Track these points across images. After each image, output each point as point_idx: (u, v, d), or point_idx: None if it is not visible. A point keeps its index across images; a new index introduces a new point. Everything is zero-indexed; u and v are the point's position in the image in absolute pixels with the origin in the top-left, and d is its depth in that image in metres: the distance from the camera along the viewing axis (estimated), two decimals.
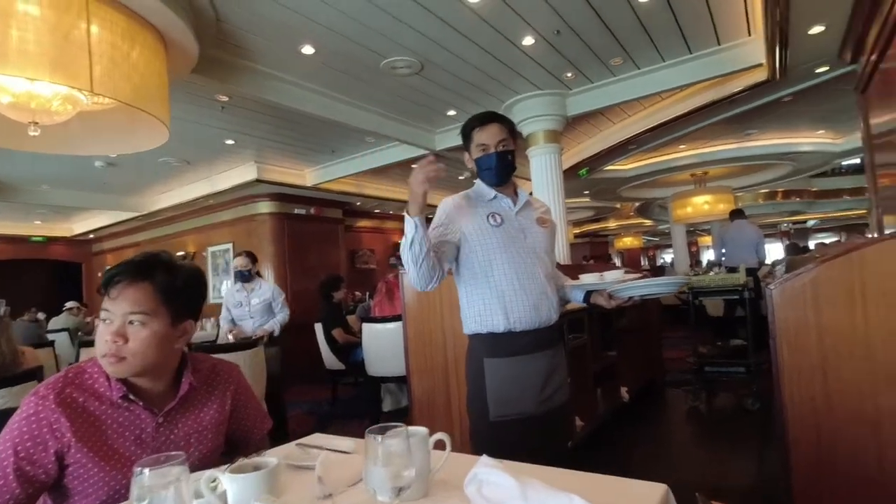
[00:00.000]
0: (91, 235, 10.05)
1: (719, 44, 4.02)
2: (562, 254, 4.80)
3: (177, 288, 1.09)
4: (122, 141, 3.19)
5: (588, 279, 1.58)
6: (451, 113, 5.00)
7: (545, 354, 1.57)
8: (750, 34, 3.88)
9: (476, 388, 1.56)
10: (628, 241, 20.48)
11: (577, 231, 17.30)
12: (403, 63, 3.90)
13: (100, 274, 9.68)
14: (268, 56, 3.66)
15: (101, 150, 3.84)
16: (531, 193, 1.76)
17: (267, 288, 4.09)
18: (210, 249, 8.05)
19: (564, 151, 5.72)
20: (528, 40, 3.70)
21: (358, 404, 5.09)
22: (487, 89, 4.54)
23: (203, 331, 6.18)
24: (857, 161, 9.62)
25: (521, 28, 3.53)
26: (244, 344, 2.96)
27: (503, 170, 1.60)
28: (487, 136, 1.59)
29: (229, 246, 7.76)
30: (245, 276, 3.98)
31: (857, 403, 1.62)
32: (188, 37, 2.91)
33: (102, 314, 1.06)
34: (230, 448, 1.25)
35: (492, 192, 1.63)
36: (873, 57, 3.18)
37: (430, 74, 4.16)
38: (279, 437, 3.80)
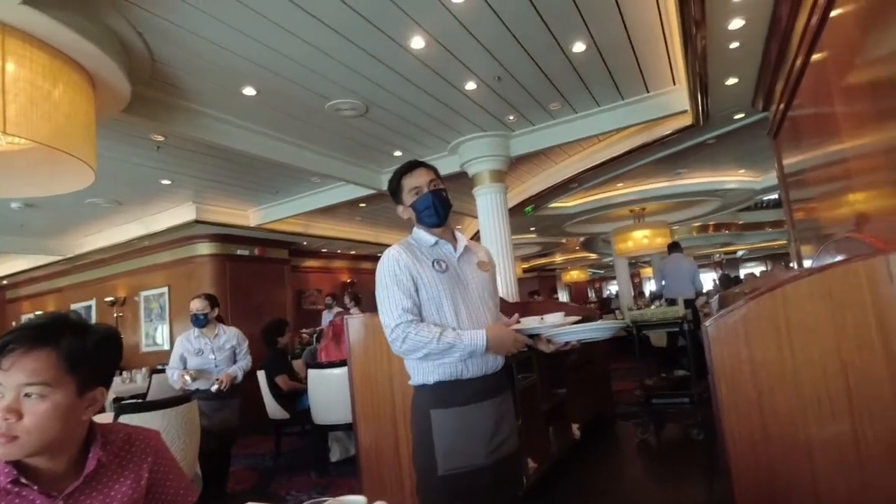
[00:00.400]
0: (5, 281, 9.23)
1: (648, 91, 4.31)
2: (509, 290, 4.84)
3: (86, 353, 0.98)
4: (42, 183, 2.97)
5: (528, 323, 1.57)
6: (398, 154, 5.04)
7: (493, 402, 1.53)
8: (675, 83, 4.19)
9: (423, 441, 1.49)
10: (575, 275, 21.09)
11: (525, 266, 17.65)
12: (348, 105, 3.91)
13: (14, 323, 8.86)
14: (207, 96, 3.57)
15: (18, 193, 3.56)
16: (478, 234, 1.76)
17: (232, 333, 3.69)
18: (143, 294, 7.56)
19: (510, 190, 5.87)
20: (471, 85, 3.82)
21: (304, 455, 4.80)
22: (432, 131, 4.63)
23: (133, 383, 5.72)
24: (776, 196, 10.48)
25: (463, 73, 3.64)
26: (175, 399, 2.74)
27: (441, 207, 1.60)
28: (417, 179, 1.60)
29: (165, 290, 7.32)
30: (200, 321, 3.53)
31: (791, 435, 1.67)
32: (119, 76, 2.79)
33: None
34: None
35: (432, 238, 1.61)
36: (781, 106, 3.50)
37: (376, 116, 4.20)
38: (218, 495, 3.50)
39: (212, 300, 3.65)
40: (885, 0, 1.71)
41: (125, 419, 2.43)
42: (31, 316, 4.74)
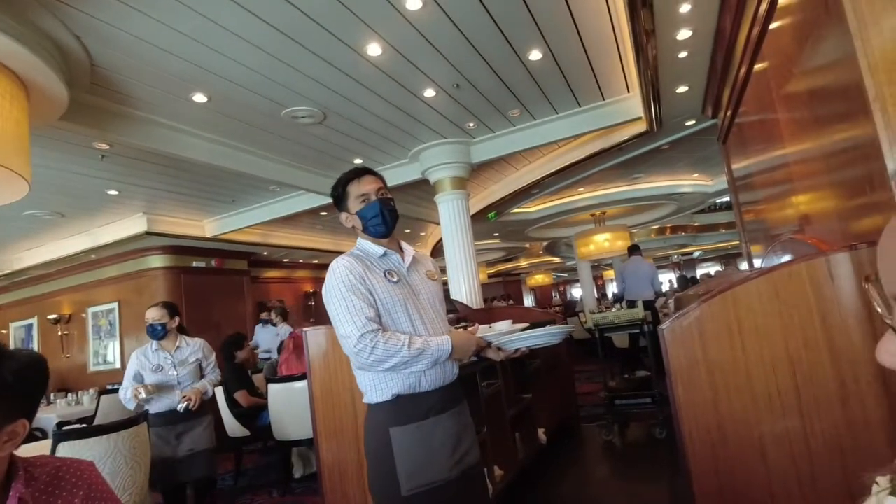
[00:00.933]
0: None
1: (604, 98, 4.41)
2: (473, 296, 4.83)
3: (5, 384, 0.89)
4: None
5: (478, 332, 1.56)
6: (358, 161, 4.98)
7: (452, 413, 1.50)
8: (629, 91, 4.31)
9: (381, 463, 1.43)
10: (540, 279, 21.40)
11: (490, 271, 17.77)
12: (305, 112, 3.83)
13: None
14: (154, 103, 3.42)
15: None
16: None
17: (197, 346, 3.25)
18: (90, 310, 7.16)
19: (472, 196, 5.90)
20: (430, 92, 3.81)
21: (266, 473, 4.64)
22: (392, 138, 4.59)
23: (79, 405, 5.39)
24: (728, 199, 10.92)
25: (421, 81, 3.62)
26: (123, 423, 2.58)
27: (390, 215, 1.55)
28: (365, 187, 1.56)
29: (114, 305, 6.96)
30: (158, 333, 3.09)
31: (745, 433, 1.72)
32: (55, 81, 2.63)
33: None
34: None
35: (381, 249, 1.57)
36: (729, 113, 3.64)
37: (334, 123, 4.13)
38: None
39: (171, 308, 3.21)
40: (818, 14, 1.80)
41: (65, 447, 2.27)
42: None
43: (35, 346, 7.62)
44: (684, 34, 3.20)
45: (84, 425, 3.02)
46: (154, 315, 3.12)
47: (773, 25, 2.38)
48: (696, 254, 20.97)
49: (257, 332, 7.24)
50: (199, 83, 3.24)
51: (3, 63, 2.39)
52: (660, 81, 3.77)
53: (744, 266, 4.49)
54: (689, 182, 8.53)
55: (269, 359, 6.39)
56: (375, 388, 1.46)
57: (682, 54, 3.47)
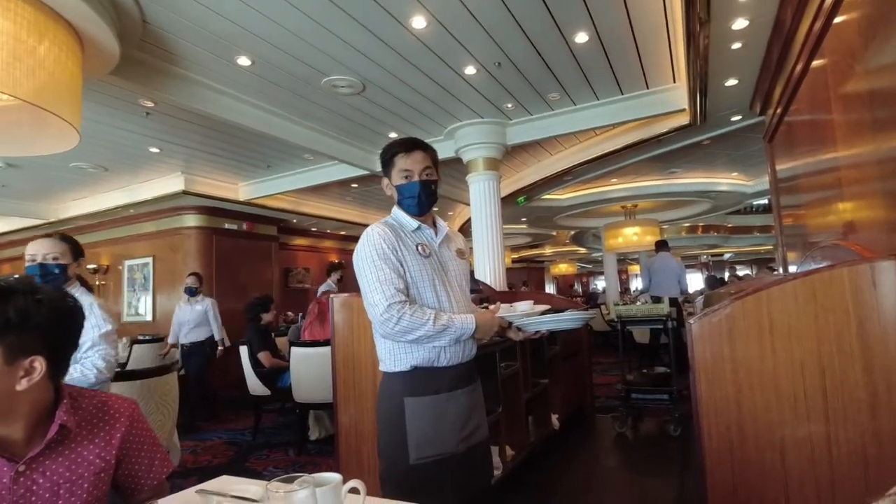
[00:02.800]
0: None
1: (648, 87, 4.29)
2: (497, 279, 4.84)
3: (7, 319, 0.90)
4: (24, 142, 2.88)
5: (499, 311, 1.57)
6: (393, 135, 4.99)
7: (466, 391, 1.53)
8: (675, 81, 4.18)
9: (393, 429, 1.46)
10: (563, 268, 21.22)
11: (514, 256, 17.71)
12: (345, 83, 3.84)
13: None
14: (199, 64, 3.48)
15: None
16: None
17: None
18: (127, 263, 7.45)
19: (503, 179, 5.85)
20: (470, 69, 3.77)
21: (283, 433, 4.80)
22: (429, 114, 4.57)
23: None
24: (766, 202, 10.58)
25: (463, 57, 3.59)
26: (155, 370, 2.71)
27: (427, 199, 1.55)
28: (412, 163, 1.53)
29: (149, 260, 7.22)
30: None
31: (766, 433, 1.70)
32: (108, 36, 2.70)
33: None
34: (122, 495, 1.10)
35: (415, 223, 1.57)
36: (779, 110, 3.50)
37: (372, 95, 4.13)
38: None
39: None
40: (889, 9, 1.70)
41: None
42: None
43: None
44: (740, 24, 3.07)
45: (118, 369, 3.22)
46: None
47: (838, 19, 2.26)
48: (727, 255, 20.44)
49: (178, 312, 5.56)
50: (244, 46, 3.28)
51: (61, 14, 2.46)
52: (709, 72, 3.64)
53: (778, 271, 4.37)
54: (727, 180, 8.28)
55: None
56: (395, 357, 1.49)
57: (736, 45, 3.33)
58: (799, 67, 2.83)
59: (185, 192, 6.00)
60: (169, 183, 6.03)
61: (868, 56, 1.96)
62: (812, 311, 1.60)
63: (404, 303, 1.41)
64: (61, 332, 0.99)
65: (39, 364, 0.94)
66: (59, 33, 2.46)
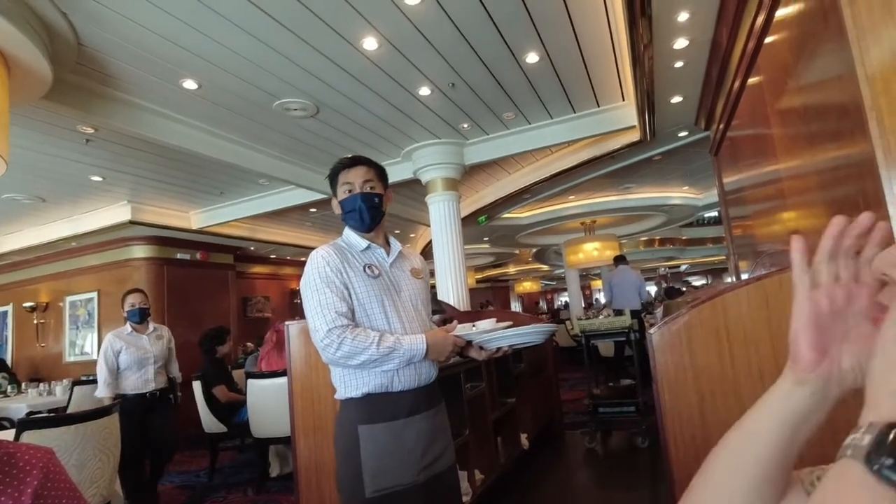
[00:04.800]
0: None
1: (598, 105, 4.41)
2: (461, 300, 4.80)
3: None
4: None
5: (460, 330, 1.52)
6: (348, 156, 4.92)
7: (426, 415, 1.46)
8: (624, 99, 4.32)
9: (348, 460, 1.39)
10: (528, 286, 21.44)
11: (478, 276, 17.76)
12: (298, 105, 3.78)
13: None
14: (141, 87, 3.34)
15: None
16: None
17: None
18: (69, 299, 7.00)
19: (463, 199, 5.86)
20: (425, 90, 3.78)
21: (243, 471, 4.54)
22: (385, 135, 4.55)
23: (51, 395, 5.24)
24: (716, 213, 11.04)
25: (416, 78, 3.59)
26: (92, 412, 2.49)
27: (369, 211, 1.51)
28: (353, 176, 1.52)
29: (94, 295, 6.81)
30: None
31: None
32: (38, 58, 2.55)
33: None
34: None
35: (364, 242, 1.53)
36: (721, 125, 3.66)
37: (326, 118, 4.08)
38: None
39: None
40: (814, 29, 1.80)
41: (29, 436, 2.18)
42: None
43: (9, 334, 7.43)
44: (681, 43, 3.21)
45: (45, 415, 2.98)
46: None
47: (769, 39, 2.39)
48: (684, 267, 21.17)
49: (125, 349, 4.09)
50: (189, 69, 3.17)
51: None
52: (655, 91, 3.78)
53: (730, 281, 4.51)
54: (679, 194, 8.60)
55: None
56: (346, 384, 1.43)
57: (678, 64, 3.48)
58: (737, 84, 2.97)
59: (132, 222, 5.71)
60: (114, 213, 5.74)
61: (799, 72, 2.06)
62: (765, 315, 1.62)
63: (346, 326, 1.36)
64: None
65: None
66: None
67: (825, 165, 1.92)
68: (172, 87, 3.35)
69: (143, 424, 3.41)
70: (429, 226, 5.21)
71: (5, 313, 7.52)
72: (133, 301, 3.54)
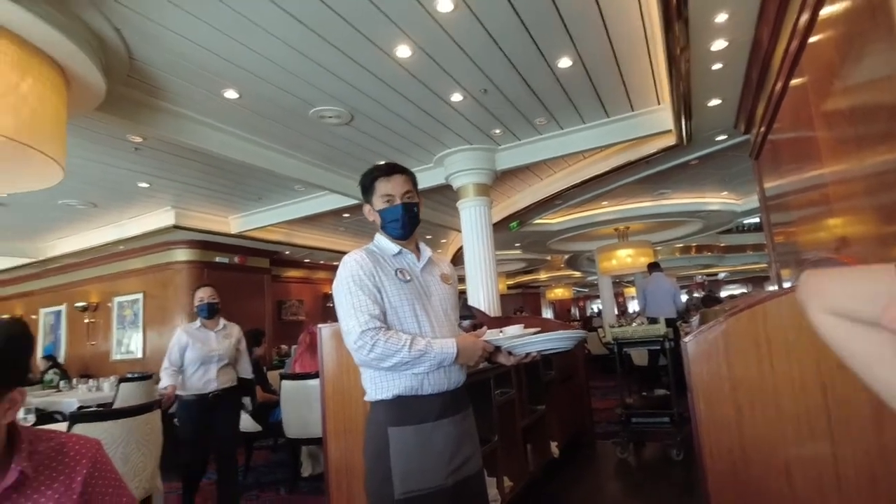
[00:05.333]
0: None
1: (633, 110, 4.34)
2: (492, 305, 4.79)
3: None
4: (6, 180, 2.86)
5: (488, 335, 1.52)
6: (383, 164, 5.00)
7: (454, 420, 1.46)
8: (659, 103, 4.24)
9: (378, 462, 1.40)
10: (559, 292, 21.15)
11: (509, 282, 17.65)
12: (333, 113, 3.87)
13: None
14: (187, 97, 3.50)
15: None
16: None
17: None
18: (116, 300, 7.35)
19: (495, 204, 5.87)
20: (457, 96, 3.81)
21: (276, 471, 4.64)
22: (418, 142, 4.60)
23: (100, 391, 5.49)
24: (757, 220, 10.65)
25: (449, 85, 3.63)
26: (137, 408, 2.61)
27: (409, 221, 1.54)
28: (393, 187, 1.53)
29: (139, 296, 7.13)
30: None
31: (770, 454, 1.64)
32: (94, 72, 2.71)
33: None
34: None
35: (396, 247, 1.55)
36: (762, 128, 3.54)
37: (360, 125, 4.16)
38: None
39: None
40: (863, 28, 1.73)
41: (79, 428, 2.30)
42: None
43: (63, 333, 7.84)
44: (719, 44, 3.13)
45: (94, 409, 3.11)
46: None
47: (813, 38, 2.30)
48: (722, 275, 20.47)
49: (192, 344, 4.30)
50: (231, 79, 3.30)
51: (45, 52, 2.47)
52: (692, 94, 3.70)
53: (771, 289, 4.34)
54: (717, 200, 8.34)
55: None
56: (376, 386, 1.45)
57: (717, 66, 3.40)
58: (779, 86, 2.87)
59: (175, 227, 5.97)
60: (159, 218, 6.00)
61: (846, 73, 1.98)
62: (809, 325, 1.56)
63: (378, 329, 1.38)
64: (28, 363, 0.98)
65: (21, 396, 0.93)
66: (43, 70, 2.46)
67: (873, 169, 1.84)
68: (215, 96, 3.49)
69: (205, 426, 3.21)
70: (460, 231, 5.23)
71: (59, 313, 7.95)
72: (202, 295, 3.42)
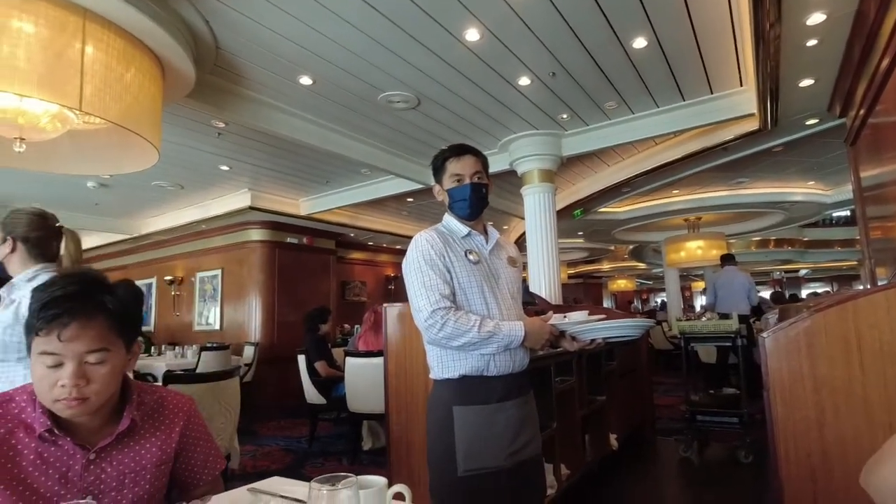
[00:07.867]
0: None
1: (712, 92, 4.09)
2: (553, 294, 4.73)
3: (126, 312, 1.01)
4: (110, 162, 3.16)
5: (553, 320, 1.51)
6: (455, 144, 5.03)
7: (516, 402, 1.48)
8: (742, 84, 3.96)
9: (442, 439, 1.43)
10: (622, 284, 20.48)
11: (570, 272, 17.29)
12: (400, 98, 3.94)
13: None
14: (265, 85, 3.68)
15: (88, 170, 3.81)
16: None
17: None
18: (199, 275, 7.93)
19: (559, 191, 5.74)
20: (524, 80, 3.76)
21: (338, 442, 4.88)
22: (483, 126, 4.59)
23: (184, 358, 6.01)
24: (847, 213, 9.75)
25: (517, 68, 3.58)
26: (220, 374, 2.84)
27: (477, 202, 1.55)
28: (462, 167, 1.55)
29: (218, 272, 7.65)
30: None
31: (855, 464, 1.53)
32: (186, 62, 2.93)
33: (42, 358, 0.92)
34: (178, 488, 1.15)
35: (465, 229, 1.57)
36: (862, 111, 3.22)
37: (427, 110, 4.20)
38: None
39: None
40: None
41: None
42: None
43: (153, 303, 8.59)
44: (816, 18, 2.87)
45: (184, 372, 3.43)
46: None
47: None
48: (803, 272, 18.96)
49: None
50: (306, 66, 3.44)
51: (146, 44, 2.69)
52: (780, 74, 3.42)
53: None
54: (802, 190, 7.70)
55: None
56: (443, 365, 1.47)
57: (811, 42, 3.12)
58: (885, 64, 2.60)
59: (251, 208, 6.34)
60: (237, 199, 6.40)
61: None
62: None
63: (449, 308, 1.40)
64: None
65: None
66: (143, 61, 2.69)
67: None
68: (291, 83, 3.65)
69: None
70: (523, 218, 5.19)
71: (150, 285, 8.71)
72: None
